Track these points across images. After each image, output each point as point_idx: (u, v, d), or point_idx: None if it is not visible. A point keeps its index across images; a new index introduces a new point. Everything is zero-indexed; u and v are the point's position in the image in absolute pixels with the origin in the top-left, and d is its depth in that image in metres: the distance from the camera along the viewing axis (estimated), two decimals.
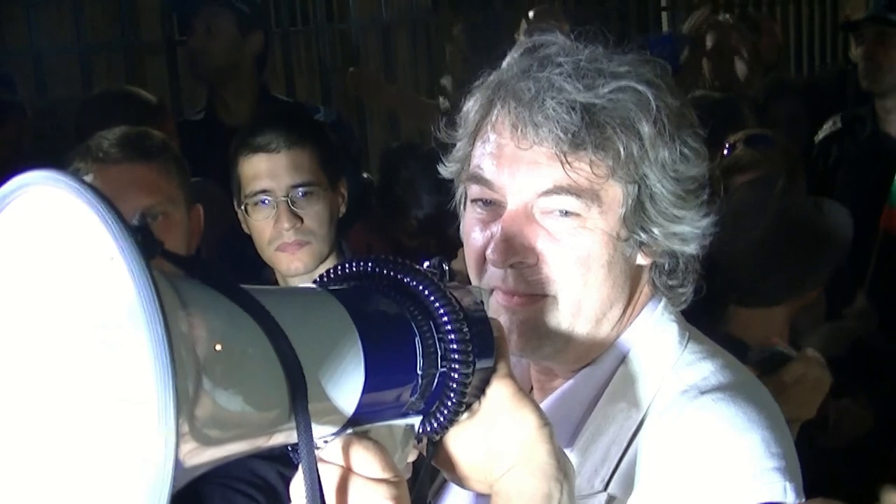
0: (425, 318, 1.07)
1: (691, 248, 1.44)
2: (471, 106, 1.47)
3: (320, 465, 1.02)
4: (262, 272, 2.93)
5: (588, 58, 1.40)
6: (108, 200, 0.78)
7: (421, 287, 1.08)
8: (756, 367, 2.43)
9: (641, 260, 1.44)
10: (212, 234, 3.03)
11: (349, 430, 1.03)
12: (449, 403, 1.09)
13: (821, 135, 4.85)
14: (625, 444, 1.38)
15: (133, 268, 0.77)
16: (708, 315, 1.53)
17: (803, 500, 1.36)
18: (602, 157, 1.36)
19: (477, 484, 1.18)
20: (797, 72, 8.73)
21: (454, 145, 1.50)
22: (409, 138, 5.59)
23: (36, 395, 0.87)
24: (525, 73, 1.40)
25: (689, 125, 1.43)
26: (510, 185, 1.40)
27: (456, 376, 1.08)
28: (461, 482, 1.19)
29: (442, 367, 1.08)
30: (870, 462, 2.88)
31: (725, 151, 3.58)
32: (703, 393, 1.37)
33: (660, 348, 1.45)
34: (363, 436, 1.04)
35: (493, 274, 1.41)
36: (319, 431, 1.00)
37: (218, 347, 0.86)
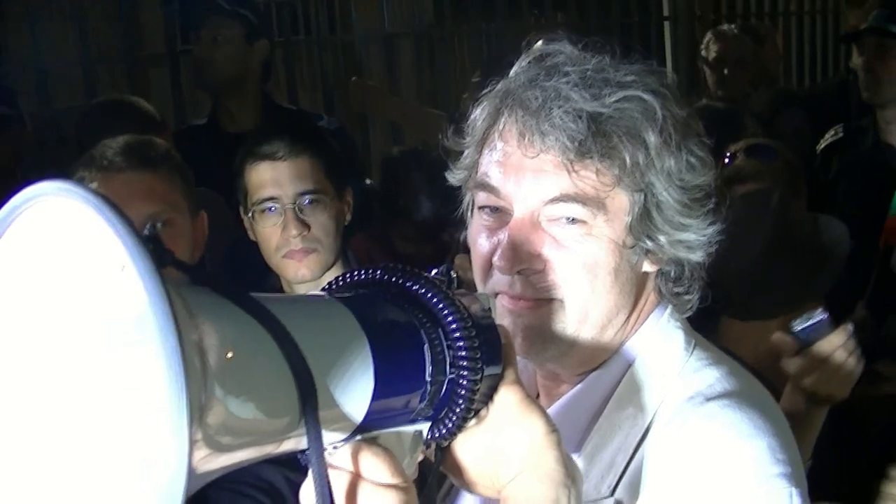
0: (434, 326, 1.07)
1: (697, 256, 1.45)
2: (478, 114, 1.48)
3: (329, 471, 1.02)
4: (267, 280, 2.94)
5: (595, 67, 1.41)
6: (120, 210, 0.78)
7: (429, 295, 1.09)
8: (797, 338, 2.42)
9: (647, 267, 1.45)
10: (215, 242, 3.03)
11: (358, 437, 1.03)
12: (457, 410, 1.10)
13: (822, 144, 4.85)
14: (631, 450, 1.39)
15: (145, 277, 0.77)
16: (700, 328, 1.53)
17: None
18: (608, 165, 1.37)
19: (485, 489, 1.18)
20: (799, 83, 8.73)
21: (461, 153, 1.51)
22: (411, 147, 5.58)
23: (48, 403, 0.87)
24: (532, 82, 1.41)
25: (695, 134, 1.44)
26: (516, 193, 1.40)
27: (465, 383, 1.08)
28: (469, 488, 1.19)
29: (451, 374, 1.08)
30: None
31: (726, 161, 3.55)
32: (708, 399, 1.38)
33: (666, 355, 1.46)
34: (372, 442, 1.04)
35: (500, 279, 1.42)
36: (329, 438, 1.00)
37: (229, 355, 0.86)
